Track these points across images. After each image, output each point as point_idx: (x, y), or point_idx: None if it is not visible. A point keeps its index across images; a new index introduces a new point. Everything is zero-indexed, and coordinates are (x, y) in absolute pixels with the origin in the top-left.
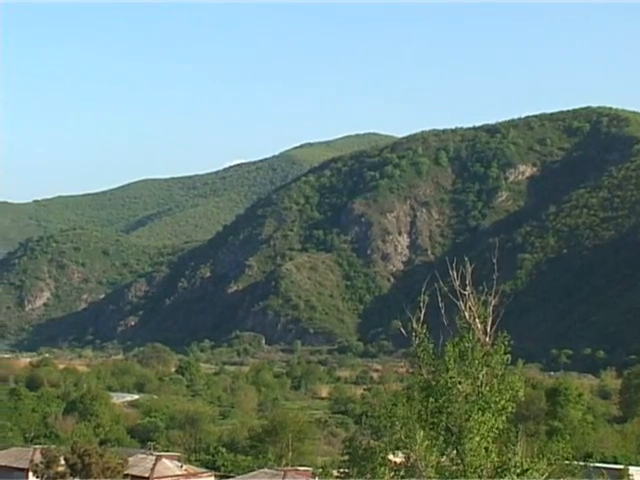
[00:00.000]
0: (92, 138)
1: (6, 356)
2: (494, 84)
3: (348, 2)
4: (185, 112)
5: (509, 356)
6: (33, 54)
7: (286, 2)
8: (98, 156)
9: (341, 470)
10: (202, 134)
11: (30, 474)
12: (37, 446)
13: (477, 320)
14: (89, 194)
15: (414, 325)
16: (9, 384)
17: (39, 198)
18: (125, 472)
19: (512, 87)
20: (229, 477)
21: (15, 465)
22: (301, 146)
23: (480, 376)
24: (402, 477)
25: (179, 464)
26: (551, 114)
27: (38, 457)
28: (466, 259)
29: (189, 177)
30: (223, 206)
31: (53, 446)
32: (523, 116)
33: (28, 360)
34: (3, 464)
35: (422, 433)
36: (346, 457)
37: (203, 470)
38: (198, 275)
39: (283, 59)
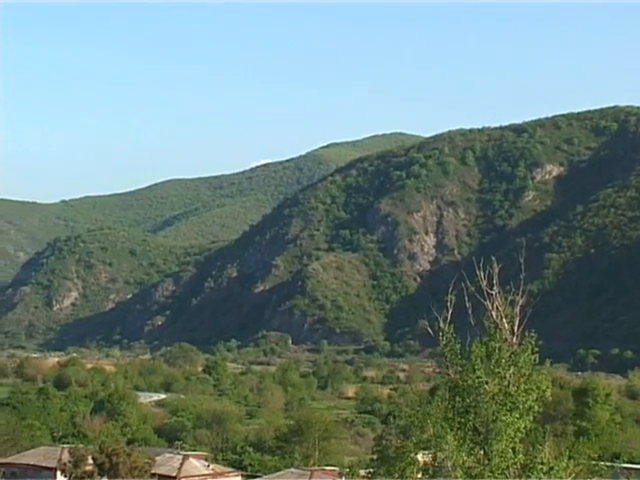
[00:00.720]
0: (119, 138)
1: (34, 356)
2: (521, 83)
3: (376, 2)
4: (212, 112)
5: (536, 356)
6: (58, 53)
7: (312, 3)
8: (125, 156)
9: (368, 470)
10: (229, 134)
11: (58, 473)
12: (65, 445)
13: (504, 320)
14: (116, 194)
15: (441, 325)
16: (37, 383)
17: (67, 198)
18: (152, 471)
19: (539, 86)
20: (256, 477)
21: (43, 464)
22: (327, 146)
23: (507, 376)
24: (430, 477)
25: (206, 463)
26: (578, 113)
27: (66, 456)
28: (493, 259)
29: (216, 177)
30: (250, 206)
31: (81, 445)
32: (550, 115)
33: (56, 360)
34: (32, 463)
35: (451, 433)
36: (375, 456)
37: (230, 470)
38: (225, 275)
39: (309, 59)
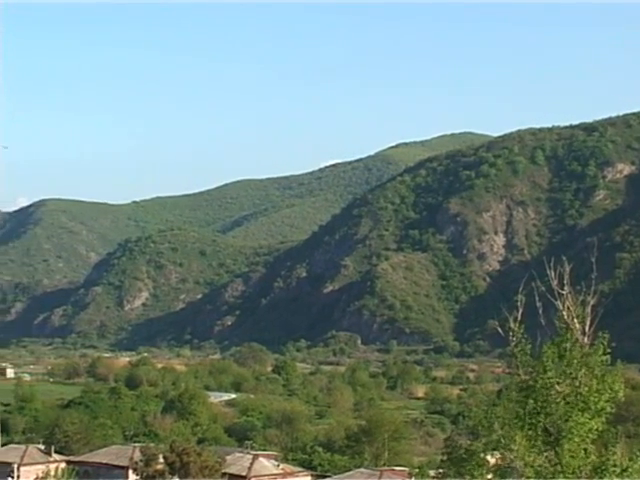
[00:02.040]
0: (190, 139)
1: (106, 355)
2: (591, 82)
3: (447, 2)
4: (281, 113)
5: (608, 357)
6: (129, 54)
7: (380, 3)
8: (195, 157)
9: (439, 470)
10: (298, 135)
11: (130, 472)
12: (136, 444)
13: (575, 320)
14: (186, 195)
15: (511, 325)
16: (109, 383)
17: (138, 199)
18: (223, 471)
19: (610, 85)
20: (326, 477)
21: (115, 463)
22: (396, 146)
23: (579, 377)
24: (501, 478)
25: (276, 463)
26: None
27: (138, 455)
28: (564, 258)
29: (285, 177)
30: (319, 206)
31: (152, 444)
32: (621, 114)
33: (127, 359)
34: (104, 462)
35: (521, 434)
36: (444, 457)
37: (300, 469)
38: (294, 275)
39: (378, 59)
